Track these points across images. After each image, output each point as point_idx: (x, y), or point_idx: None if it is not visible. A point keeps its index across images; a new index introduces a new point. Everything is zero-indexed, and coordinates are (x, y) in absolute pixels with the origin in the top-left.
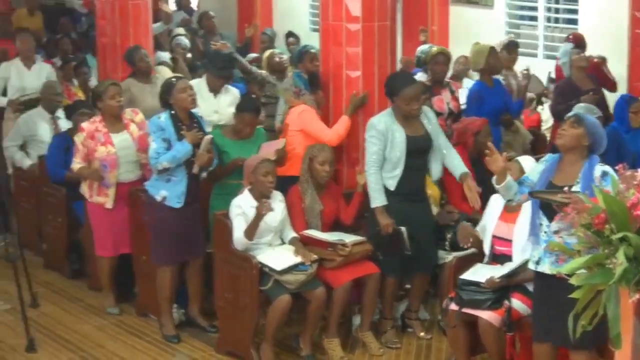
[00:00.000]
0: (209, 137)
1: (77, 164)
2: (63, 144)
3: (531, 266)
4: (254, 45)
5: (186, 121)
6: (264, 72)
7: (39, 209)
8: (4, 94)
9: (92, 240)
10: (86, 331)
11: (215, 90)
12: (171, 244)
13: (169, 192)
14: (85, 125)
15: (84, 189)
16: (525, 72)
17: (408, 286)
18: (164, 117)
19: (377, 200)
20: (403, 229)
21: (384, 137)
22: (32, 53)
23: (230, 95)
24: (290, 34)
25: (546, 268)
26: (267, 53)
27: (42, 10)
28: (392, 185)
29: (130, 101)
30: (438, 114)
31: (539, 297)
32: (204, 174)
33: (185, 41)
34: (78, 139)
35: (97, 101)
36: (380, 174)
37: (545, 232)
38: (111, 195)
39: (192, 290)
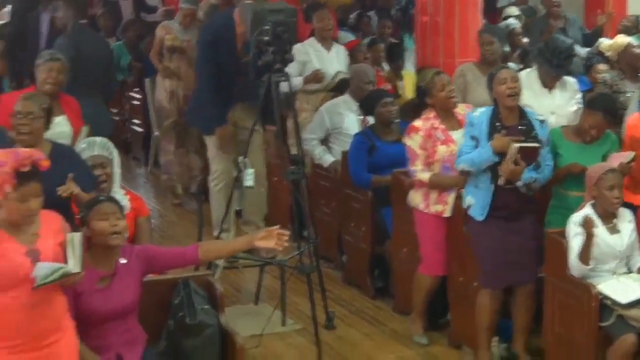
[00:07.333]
0: (516, 145)
1: (422, 172)
2: (366, 143)
3: None
4: (603, 34)
5: (509, 121)
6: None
7: (340, 215)
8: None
9: (399, 255)
10: None
11: (549, 85)
12: (491, 263)
13: (475, 201)
14: (418, 123)
15: (416, 198)
16: None
17: None
18: (480, 112)
19: None
20: None
21: None
22: (331, 33)
23: (569, 91)
24: None
25: None
26: (621, 40)
27: None
28: None
29: (462, 90)
30: None
31: None
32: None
33: (516, 23)
34: (413, 142)
35: (426, 97)
36: None
37: None
38: (450, 203)
39: (518, 322)
